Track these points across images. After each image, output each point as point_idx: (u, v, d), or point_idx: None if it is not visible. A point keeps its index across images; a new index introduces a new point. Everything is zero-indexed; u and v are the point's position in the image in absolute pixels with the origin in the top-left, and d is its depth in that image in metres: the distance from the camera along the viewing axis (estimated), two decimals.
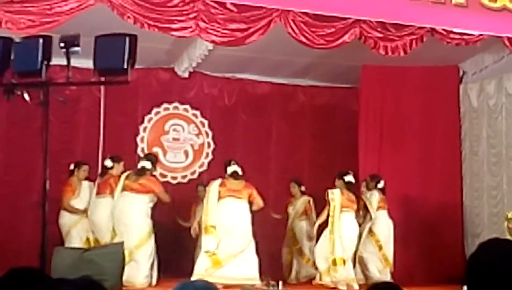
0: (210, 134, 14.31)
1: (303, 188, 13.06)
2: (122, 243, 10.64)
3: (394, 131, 13.65)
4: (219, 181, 11.17)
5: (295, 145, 14.50)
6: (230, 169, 11.26)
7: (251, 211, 11.08)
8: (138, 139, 13.89)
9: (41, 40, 7.95)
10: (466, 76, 14.00)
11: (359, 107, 13.86)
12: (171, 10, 9.92)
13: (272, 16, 10.22)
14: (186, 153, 14.19)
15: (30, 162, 12.20)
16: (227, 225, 10.76)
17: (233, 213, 10.90)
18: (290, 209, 12.99)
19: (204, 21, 10.04)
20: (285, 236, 13.06)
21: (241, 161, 13.54)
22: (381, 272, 12.01)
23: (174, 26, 10.02)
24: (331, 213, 11.48)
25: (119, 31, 8.13)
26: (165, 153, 14.03)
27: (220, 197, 10.98)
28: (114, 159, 11.75)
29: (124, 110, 13.70)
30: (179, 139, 14.23)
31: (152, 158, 11.67)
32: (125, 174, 11.22)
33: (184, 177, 14.05)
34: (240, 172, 11.28)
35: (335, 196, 11.54)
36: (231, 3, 9.93)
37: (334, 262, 11.26)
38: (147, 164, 11.26)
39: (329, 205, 11.52)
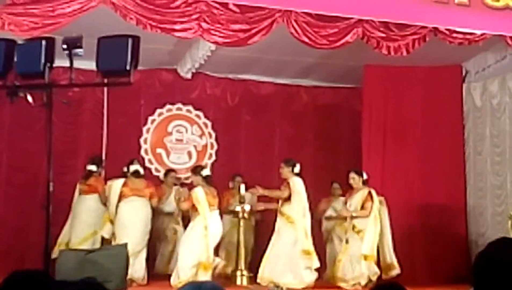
0: (213, 135, 14.31)
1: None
2: (125, 245, 10.66)
3: (397, 131, 13.64)
4: (122, 181, 11.59)
5: (298, 145, 14.48)
6: (132, 168, 11.71)
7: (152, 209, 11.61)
8: (141, 140, 13.90)
9: (44, 42, 7.95)
10: (469, 76, 13.98)
11: (362, 107, 13.85)
12: (174, 11, 9.93)
13: (274, 16, 10.22)
14: (190, 154, 14.19)
15: (34, 164, 12.21)
16: (127, 224, 11.27)
17: (134, 212, 11.38)
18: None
19: (206, 22, 10.05)
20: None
21: (244, 161, 13.61)
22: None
23: (176, 27, 10.03)
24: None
25: (121, 33, 8.13)
26: (168, 154, 14.04)
27: (123, 196, 11.43)
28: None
29: (127, 111, 13.70)
30: (182, 140, 14.23)
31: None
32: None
33: (187, 178, 14.04)
34: (141, 172, 11.78)
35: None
36: (234, 4, 9.94)
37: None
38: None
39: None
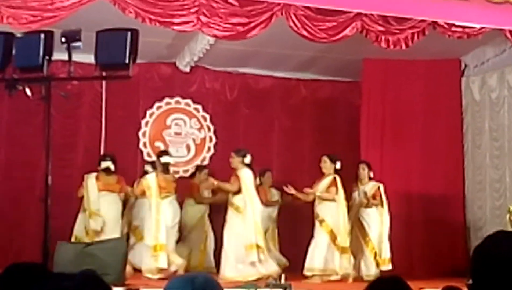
0: (212, 128, 14.30)
1: (371, 174, 12.50)
2: (124, 238, 10.68)
3: (396, 125, 13.64)
4: (94, 174, 11.80)
5: (296, 139, 14.49)
6: (103, 165, 11.85)
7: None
8: (140, 133, 13.88)
9: (42, 35, 7.96)
10: (468, 69, 13.98)
11: (361, 101, 13.85)
12: (173, 5, 9.93)
13: (273, 10, 10.22)
14: (188, 148, 14.19)
15: (32, 157, 12.19)
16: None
17: (106, 207, 11.60)
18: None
19: (205, 15, 10.05)
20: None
21: None
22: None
23: (175, 20, 10.03)
24: None
25: (120, 26, 8.13)
26: (167, 148, 14.02)
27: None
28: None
29: (126, 104, 13.69)
30: (181, 134, 14.22)
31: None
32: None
33: (186, 171, 14.04)
34: (112, 169, 11.83)
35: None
36: None
37: None
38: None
39: None
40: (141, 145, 13.81)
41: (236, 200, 11.32)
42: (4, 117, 12.89)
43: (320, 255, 11.43)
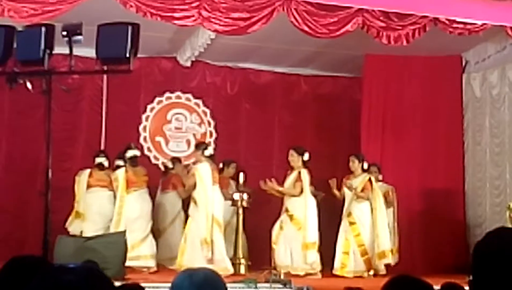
0: (213, 123, 14.30)
1: (365, 165, 12.22)
2: (124, 232, 10.69)
3: (397, 121, 13.64)
4: (88, 171, 11.81)
5: (297, 134, 14.47)
6: (97, 160, 11.91)
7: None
8: (141, 128, 13.89)
9: (43, 29, 7.95)
10: (469, 66, 13.97)
11: (361, 97, 13.85)
12: None
13: (274, 5, 10.22)
14: (188, 142, 14.18)
15: (33, 151, 12.21)
16: (94, 213, 11.53)
17: (100, 202, 11.62)
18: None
19: (206, 10, 10.04)
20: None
21: (243, 150, 13.60)
22: None
23: (176, 15, 10.02)
24: None
25: (121, 20, 8.12)
26: (167, 142, 14.03)
27: (89, 186, 11.69)
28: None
29: (127, 99, 13.69)
30: (181, 128, 14.22)
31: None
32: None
33: (186, 166, 14.03)
34: (106, 164, 11.89)
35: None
36: None
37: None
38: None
39: None
40: (141, 140, 13.81)
41: (194, 193, 11.30)
42: (5, 110, 12.89)
43: (287, 251, 11.40)
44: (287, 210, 11.52)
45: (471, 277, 2.48)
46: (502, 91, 13.19)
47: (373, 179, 11.84)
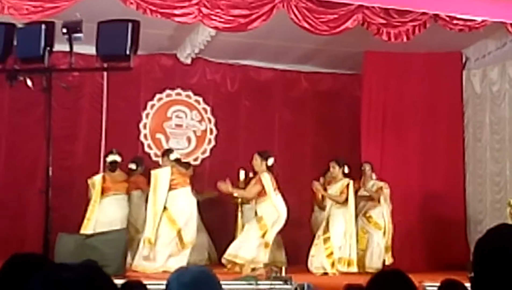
0: (213, 120, 14.30)
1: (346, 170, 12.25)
2: (124, 230, 10.70)
3: (397, 117, 13.64)
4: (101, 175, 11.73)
5: (297, 131, 14.49)
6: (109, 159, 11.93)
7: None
8: (141, 125, 13.89)
9: (43, 26, 7.95)
10: (469, 62, 13.97)
11: (361, 93, 13.85)
12: None
13: (274, 2, 10.21)
14: (189, 140, 14.19)
15: (33, 148, 12.21)
16: (105, 222, 11.36)
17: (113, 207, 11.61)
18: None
19: (206, 7, 10.03)
20: None
21: (243, 146, 13.59)
22: None
23: (176, 12, 10.02)
24: None
25: (121, 17, 8.12)
26: (167, 140, 14.03)
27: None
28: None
29: (127, 96, 13.69)
30: (181, 126, 14.22)
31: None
32: None
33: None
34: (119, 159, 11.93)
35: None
36: None
37: None
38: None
39: None
40: (141, 137, 13.81)
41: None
42: (5, 108, 12.89)
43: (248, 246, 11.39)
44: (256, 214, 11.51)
45: (472, 274, 2.48)
46: (502, 87, 13.19)
47: (351, 185, 11.75)
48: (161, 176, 11.39)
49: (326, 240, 11.67)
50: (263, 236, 11.13)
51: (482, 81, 13.64)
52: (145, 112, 13.95)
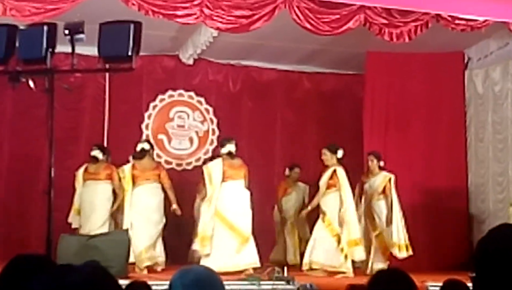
0: (215, 121, 14.31)
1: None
2: (127, 230, 10.69)
3: (399, 118, 13.64)
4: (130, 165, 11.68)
5: (300, 132, 14.50)
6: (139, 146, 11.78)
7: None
8: (143, 126, 13.90)
9: (45, 28, 7.94)
10: (471, 62, 13.97)
11: (364, 94, 13.85)
12: None
13: (276, 2, 10.21)
14: (191, 140, 14.20)
15: (36, 150, 12.23)
16: (140, 210, 11.37)
17: (146, 198, 11.48)
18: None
19: (208, 8, 10.04)
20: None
21: (246, 147, 13.59)
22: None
23: (178, 13, 10.02)
24: None
25: (123, 18, 8.12)
26: (170, 140, 14.04)
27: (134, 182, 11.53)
28: None
29: (129, 97, 13.70)
30: (184, 126, 14.23)
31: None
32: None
33: (189, 164, 14.07)
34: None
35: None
36: None
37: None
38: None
39: None
40: (144, 138, 13.80)
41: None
42: (7, 109, 12.91)
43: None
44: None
45: (474, 274, 2.48)
46: (504, 87, 13.18)
47: (338, 170, 11.65)
48: (213, 169, 11.33)
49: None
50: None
51: (484, 81, 13.63)
52: (147, 113, 13.96)
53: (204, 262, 10.65)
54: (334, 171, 11.41)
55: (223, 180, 11.12)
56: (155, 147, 13.72)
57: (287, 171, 13.35)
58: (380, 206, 11.96)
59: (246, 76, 14.50)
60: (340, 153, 11.54)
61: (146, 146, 11.77)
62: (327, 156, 11.55)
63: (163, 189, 11.57)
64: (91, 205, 11.37)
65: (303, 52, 13.77)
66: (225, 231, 10.99)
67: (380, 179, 12.02)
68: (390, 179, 11.95)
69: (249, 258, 11.00)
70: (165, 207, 11.56)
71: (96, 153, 11.71)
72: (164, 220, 11.47)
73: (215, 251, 10.90)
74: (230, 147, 11.32)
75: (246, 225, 11.05)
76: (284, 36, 12.42)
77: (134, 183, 11.47)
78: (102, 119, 13.42)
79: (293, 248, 12.92)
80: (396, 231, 11.80)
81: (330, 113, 14.67)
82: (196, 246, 11.17)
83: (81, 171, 11.66)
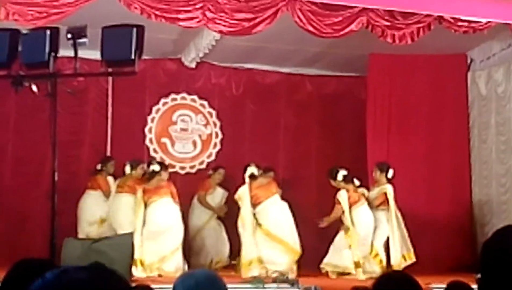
0: (218, 124, 14.30)
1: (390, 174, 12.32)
2: (131, 234, 10.69)
3: (402, 120, 13.63)
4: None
5: (302, 135, 14.49)
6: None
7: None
8: (146, 129, 13.89)
9: (48, 32, 7.97)
10: (474, 64, 13.96)
11: (366, 96, 13.84)
12: (178, 0, 9.95)
13: (279, 5, 10.22)
14: (194, 143, 14.19)
15: (39, 154, 12.24)
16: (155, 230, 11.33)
17: (164, 214, 11.46)
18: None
19: (211, 11, 10.05)
20: None
21: (249, 150, 13.62)
22: None
23: (181, 16, 10.03)
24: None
25: (126, 22, 8.14)
26: (173, 144, 14.04)
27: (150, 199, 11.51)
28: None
29: (132, 101, 13.71)
30: (187, 130, 14.22)
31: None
32: None
33: (192, 167, 14.06)
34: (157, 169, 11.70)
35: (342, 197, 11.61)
36: None
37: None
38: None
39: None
40: (147, 141, 13.82)
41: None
42: (10, 113, 12.91)
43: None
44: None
45: (479, 275, 2.48)
46: (507, 88, 13.17)
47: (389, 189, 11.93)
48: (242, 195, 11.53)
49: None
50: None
51: (487, 83, 13.62)
52: (150, 116, 13.96)
53: None
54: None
55: (257, 202, 11.37)
56: (158, 150, 13.76)
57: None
58: (380, 216, 12.00)
59: (249, 79, 14.50)
60: (391, 173, 11.93)
61: (157, 167, 11.79)
62: (376, 173, 11.85)
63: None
64: None
65: (305, 55, 13.76)
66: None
67: (377, 190, 12.06)
68: (385, 193, 11.98)
69: None
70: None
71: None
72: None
73: None
74: (251, 170, 11.67)
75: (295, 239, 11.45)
76: (286, 39, 12.41)
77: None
78: (105, 123, 13.42)
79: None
80: (393, 248, 11.86)
81: (332, 115, 14.65)
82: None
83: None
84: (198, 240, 12.66)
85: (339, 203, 11.56)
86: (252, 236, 11.16)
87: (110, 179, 12.34)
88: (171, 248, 11.21)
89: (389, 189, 11.94)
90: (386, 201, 11.98)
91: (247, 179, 11.59)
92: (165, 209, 11.38)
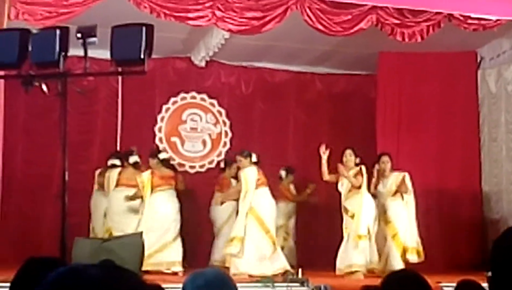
0: (228, 123, 14.31)
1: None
2: (141, 233, 10.69)
3: (412, 118, 13.61)
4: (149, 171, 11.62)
5: (312, 133, 14.46)
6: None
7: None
8: (156, 128, 13.91)
9: (58, 31, 7.96)
10: (484, 62, 13.92)
11: (376, 94, 13.83)
12: None
13: (288, 3, 10.22)
14: (204, 142, 14.20)
15: (49, 153, 12.26)
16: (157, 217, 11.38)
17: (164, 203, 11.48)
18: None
19: (220, 10, 10.06)
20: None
21: (258, 149, 13.59)
22: None
23: (190, 15, 10.05)
24: None
25: (135, 21, 8.13)
26: (183, 143, 14.05)
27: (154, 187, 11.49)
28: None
29: (142, 100, 13.72)
30: (196, 129, 14.24)
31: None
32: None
33: (202, 166, 14.07)
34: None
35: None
36: None
37: None
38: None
39: None
40: (157, 140, 13.84)
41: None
42: (21, 113, 12.93)
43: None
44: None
45: (490, 273, 2.47)
46: None
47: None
48: (249, 175, 11.40)
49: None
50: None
51: (497, 80, 13.58)
52: (160, 115, 13.98)
53: (235, 264, 10.76)
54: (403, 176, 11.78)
55: (258, 186, 11.25)
56: (168, 149, 13.76)
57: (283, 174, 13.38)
58: (395, 206, 11.88)
59: (258, 77, 14.50)
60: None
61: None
62: (351, 157, 11.69)
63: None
64: None
65: (315, 53, 13.75)
66: (260, 235, 11.08)
67: (393, 178, 11.97)
68: (404, 177, 11.89)
69: (280, 263, 11.03)
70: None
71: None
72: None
73: (248, 254, 10.95)
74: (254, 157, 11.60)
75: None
76: (296, 38, 12.41)
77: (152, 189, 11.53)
78: (115, 122, 13.44)
79: None
80: (410, 234, 11.77)
81: (342, 114, 14.64)
82: (229, 249, 11.14)
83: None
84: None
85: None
86: (245, 216, 11.12)
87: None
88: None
89: (407, 176, 11.92)
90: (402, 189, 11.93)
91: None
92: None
